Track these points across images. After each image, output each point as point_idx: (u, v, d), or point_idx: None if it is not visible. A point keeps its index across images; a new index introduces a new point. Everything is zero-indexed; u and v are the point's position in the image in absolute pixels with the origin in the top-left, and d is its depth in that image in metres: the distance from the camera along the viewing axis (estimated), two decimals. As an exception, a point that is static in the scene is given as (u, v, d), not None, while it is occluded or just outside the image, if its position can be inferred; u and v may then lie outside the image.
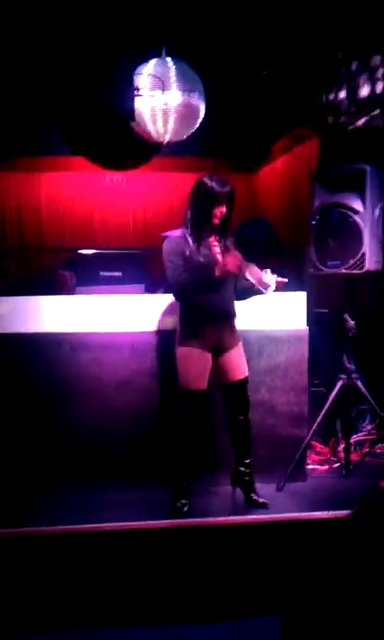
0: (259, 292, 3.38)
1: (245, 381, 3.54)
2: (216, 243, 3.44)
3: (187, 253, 3.37)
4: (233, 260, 3.29)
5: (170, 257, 3.39)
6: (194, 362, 3.42)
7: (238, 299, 3.54)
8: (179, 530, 3.29)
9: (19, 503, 3.58)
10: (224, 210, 3.35)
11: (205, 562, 3.13)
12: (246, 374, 3.55)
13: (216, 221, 3.37)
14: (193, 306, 3.44)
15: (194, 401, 3.46)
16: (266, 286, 3.31)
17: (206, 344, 3.42)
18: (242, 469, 3.59)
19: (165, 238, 3.47)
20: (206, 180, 3.35)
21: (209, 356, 3.45)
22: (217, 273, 3.29)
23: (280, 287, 3.38)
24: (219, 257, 3.39)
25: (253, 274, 3.28)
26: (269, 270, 3.33)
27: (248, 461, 3.59)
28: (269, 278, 3.31)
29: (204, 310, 3.40)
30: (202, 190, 3.35)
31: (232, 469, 3.67)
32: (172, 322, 3.67)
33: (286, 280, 3.37)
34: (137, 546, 3.19)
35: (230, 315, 3.50)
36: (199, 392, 3.45)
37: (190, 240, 3.39)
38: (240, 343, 3.54)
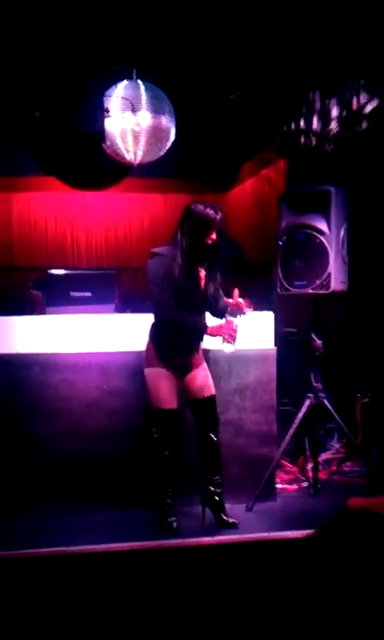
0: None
1: (212, 398, 3.59)
2: (203, 275, 3.50)
3: (173, 273, 3.39)
4: (228, 330, 3.37)
5: (157, 279, 3.41)
6: (163, 382, 3.48)
7: (215, 316, 3.59)
8: (148, 553, 3.29)
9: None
10: (215, 235, 3.42)
11: (173, 583, 3.13)
12: (213, 391, 3.60)
13: (205, 245, 3.43)
14: (168, 330, 3.48)
15: (167, 420, 3.50)
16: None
17: (173, 366, 3.48)
18: (212, 488, 3.60)
19: (154, 254, 3.49)
20: (200, 207, 3.41)
21: (177, 376, 3.50)
22: (208, 332, 3.42)
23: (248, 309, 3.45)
24: (202, 282, 3.48)
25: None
26: (240, 299, 3.41)
27: (217, 479, 3.60)
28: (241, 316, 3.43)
29: (178, 335, 3.45)
30: (199, 216, 3.39)
31: (200, 489, 3.67)
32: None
33: (251, 308, 3.46)
34: (101, 569, 3.17)
35: (200, 339, 3.55)
36: (172, 411, 3.49)
37: (178, 263, 3.41)
38: (204, 362, 3.61)
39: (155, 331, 3.55)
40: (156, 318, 3.53)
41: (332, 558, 1.08)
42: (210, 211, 3.40)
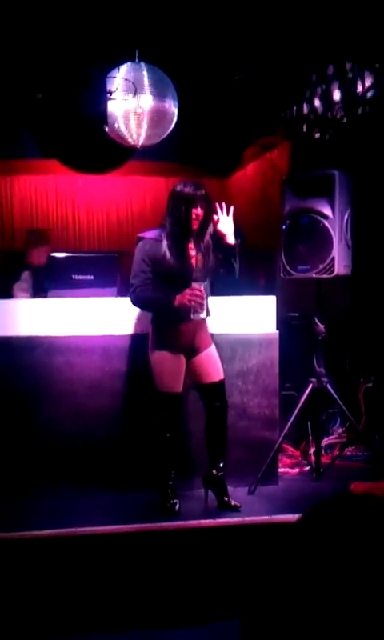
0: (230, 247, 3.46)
1: (221, 383, 3.58)
2: (193, 253, 3.46)
3: (160, 256, 3.39)
4: (193, 296, 3.32)
5: (139, 261, 3.44)
6: (168, 366, 3.47)
7: (230, 278, 3.55)
8: (149, 534, 3.30)
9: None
10: (200, 212, 3.38)
11: (175, 565, 3.14)
12: (222, 376, 3.58)
13: (194, 224, 3.40)
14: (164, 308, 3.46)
15: (171, 403, 3.50)
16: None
17: (178, 347, 3.45)
18: (215, 472, 3.61)
19: (140, 238, 3.50)
20: (180, 185, 3.42)
21: (182, 359, 3.48)
22: (175, 303, 3.33)
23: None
24: (194, 260, 3.43)
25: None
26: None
27: (222, 464, 3.61)
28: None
29: (175, 314, 3.42)
30: (177, 195, 3.39)
31: (204, 471, 3.68)
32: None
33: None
34: (103, 551, 3.19)
35: (209, 313, 3.50)
36: (175, 395, 3.49)
37: (164, 244, 3.41)
38: (213, 346, 3.57)
39: (153, 314, 3.54)
40: (130, 299, 3.50)
41: (332, 541, 1.07)
42: (188, 188, 3.38)
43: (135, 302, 3.50)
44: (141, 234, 3.53)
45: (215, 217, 3.43)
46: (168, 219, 3.44)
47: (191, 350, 3.50)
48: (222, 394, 3.59)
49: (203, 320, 3.51)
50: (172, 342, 3.45)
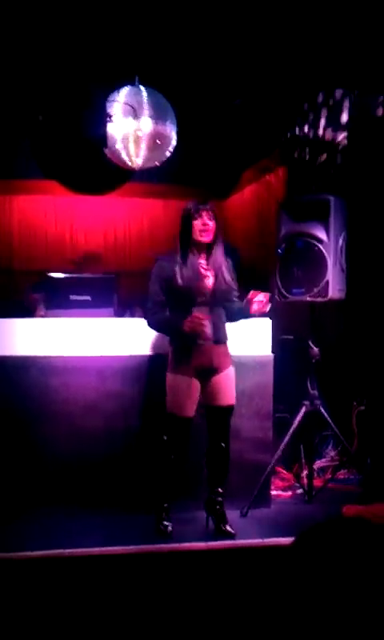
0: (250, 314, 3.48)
1: (228, 409, 3.55)
2: (207, 274, 3.46)
3: (170, 276, 3.41)
4: (193, 323, 3.34)
5: (152, 283, 3.48)
6: (181, 390, 3.46)
7: (229, 321, 3.57)
8: (143, 557, 3.30)
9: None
10: (205, 221, 3.41)
11: (168, 587, 3.14)
12: (232, 401, 3.55)
13: (201, 235, 3.42)
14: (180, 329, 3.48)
15: (178, 427, 3.48)
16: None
17: (194, 368, 3.44)
18: (213, 497, 3.60)
19: (155, 260, 3.54)
20: (187, 203, 3.49)
21: (196, 384, 3.47)
22: (185, 328, 3.35)
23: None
24: (207, 279, 3.45)
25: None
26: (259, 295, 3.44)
27: (221, 490, 3.59)
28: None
29: (188, 337, 3.42)
30: (183, 211, 3.47)
31: (203, 494, 3.66)
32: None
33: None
34: (96, 573, 3.18)
35: (220, 336, 3.49)
36: (183, 418, 3.47)
37: (177, 262, 3.43)
38: (232, 367, 3.54)
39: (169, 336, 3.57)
40: (146, 323, 3.55)
41: (324, 563, 1.09)
42: (191, 204, 3.45)
43: (150, 325, 3.55)
44: (158, 256, 3.57)
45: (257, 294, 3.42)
46: (177, 237, 3.48)
47: (208, 371, 3.48)
48: (225, 418, 3.55)
49: (222, 345, 3.50)
50: (188, 365, 3.44)
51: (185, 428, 3.49)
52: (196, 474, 3.71)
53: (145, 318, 3.54)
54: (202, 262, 3.47)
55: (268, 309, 3.44)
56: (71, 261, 5.79)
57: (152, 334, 3.76)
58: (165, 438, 3.52)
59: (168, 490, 3.58)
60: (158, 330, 3.61)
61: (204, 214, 3.41)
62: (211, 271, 3.46)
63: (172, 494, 3.58)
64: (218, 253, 3.50)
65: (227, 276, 3.50)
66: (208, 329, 3.41)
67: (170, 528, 3.52)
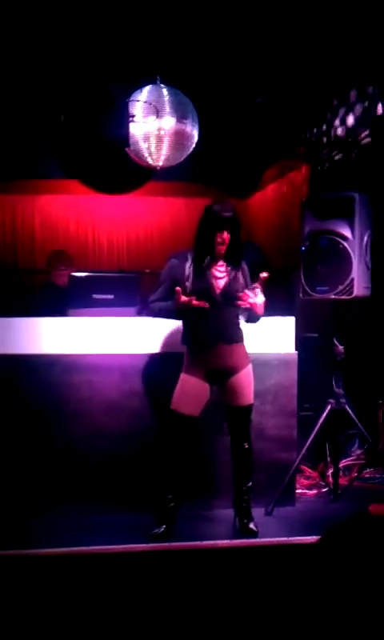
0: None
1: (247, 408, 3.54)
2: (220, 276, 3.44)
3: (181, 276, 3.41)
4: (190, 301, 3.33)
5: (161, 278, 3.49)
6: (190, 389, 3.45)
7: (248, 322, 3.56)
8: (165, 554, 3.30)
9: (9, 525, 3.58)
10: (226, 236, 3.36)
11: (190, 586, 3.13)
12: (250, 400, 3.53)
13: (219, 248, 3.39)
14: (191, 331, 3.49)
15: (180, 424, 3.47)
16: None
17: (206, 369, 3.44)
18: (240, 495, 3.58)
19: (169, 258, 3.54)
20: (211, 204, 3.43)
21: (207, 386, 3.46)
22: (175, 306, 3.34)
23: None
24: (218, 281, 3.43)
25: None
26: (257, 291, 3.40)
27: (246, 487, 3.58)
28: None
29: (201, 336, 3.43)
30: (205, 213, 3.41)
31: (232, 494, 3.64)
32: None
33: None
34: (118, 571, 3.18)
35: (233, 338, 3.48)
36: (186, 417, 3.45)
37: (187, 264, 3.43)
38: (249, 366, 3.52)
39: (183, 333, 3.55)
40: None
41: (350, 562, 1.07)
42: (216, 207, 3.38)
43: (149, 313, 3.57)
44: (173, 254, 3.56)
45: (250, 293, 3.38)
46: (195, 238, 3.46)
47: (225, 373, 3.47)
48: (245, 417, 3.54)
49: (237, 345, 3.49)
50: (201, 368, 3.44)
51: (187, 426, 3.47)
52: (223, 472, 3.70)
53: (145, 308, 3.54)
54: (216, 266, 3.45)
55: (259, 298, 3.38)
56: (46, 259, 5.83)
57: (174, 333, 3.75)
58: (167, 435, 3.51)
59: (167, 490, 3.52)
60: (156, 315, 3.53)
61: (226, 227, 3.36)
62: (225, 275, 3.44)
63: (174, 493, 3.52)
64: (234, 258, 3.46)
65: (241, 280, 3.48)
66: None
67: (159, 530, 3.47)
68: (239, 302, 3.37)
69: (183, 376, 3.48)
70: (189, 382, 3.46)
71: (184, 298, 3.30)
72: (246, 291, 3.38)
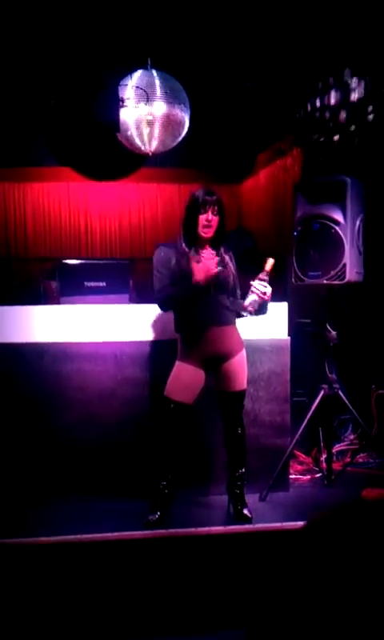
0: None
1: (240, 394, 3.53)
2: (208, 262, 3.39)
3: (169, 262, 3.40)
4: (204, 268, 3.30)
5: (157, 267, 3.45)
6: (184, 377, 3.44)
7: (258, 314, 3.47)
8: (160, 541, 3.30)
9: (3, 514, 3.59)
10: (210, 217, 3.35)
11: (185, 572, 3.14)
12: (243, 386, 3.52)
13: (203, 231, 3.37)
14: (182, 318, 3.48)
15: (173, 411, 3.45)
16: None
17: (201, 356, 3.42)
18: (234, 480, 3.59)
19: (157, 246, 3.51)
20: (195, 190, 3.42)
21: (201, 373, 3.45)
22: (193, 281, 3.29)
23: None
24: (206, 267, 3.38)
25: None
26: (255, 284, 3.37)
27: (239, 473, 3.58)
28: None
29: (193, 322, 3.42)
30: (190, 198, 3.41)
31: (226, 480, 3.65)
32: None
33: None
34: (113, 558, 3.19)
35: (223, 320, 3.45)
36: (179, 404, 3.44)
37: (178, 248, 3.41)
38: (243, 351, 3.50)
39: (175, 321, 3.54)
40: (159, 307, 3.49)
41: (344, 547, 1.07)
42: (200, 192, 3.38)
43: (162, 306, 3.47)
44: (159, 243, 3.55)
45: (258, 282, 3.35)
46: (181, 223, 3.45)
47: (219, 359, 3.45)
48: (237, 403, 3.53)
49: (229, 327, 3.46)
50: (196, 355, 3.42)
51: (179, 413, 3.46)
52: (218, 458, 3.70)
53: (156, 302, 3.47)
54: (204, 251, 3.44)
55: (269, 287, 3.35)
56: None
57: (167, 320, 3.73)
58: (160, 422, 3.50)
59: (159, 477, 3.52)
60: (170, 306, 3.48)
61: (210, 209, 3.35)
62: (212, 260, 3.40)
63: (167, 480, 3.51)
64: (221, 243, 3.45)
65: (230, 265, 3.47)
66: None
67: (153, 518, 3.46)
68: (260, 298, 3.33)
69: (178, 363, 3.47)
70: (183, 370, 3.44)
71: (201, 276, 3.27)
72: (256, 281, 3.34)
